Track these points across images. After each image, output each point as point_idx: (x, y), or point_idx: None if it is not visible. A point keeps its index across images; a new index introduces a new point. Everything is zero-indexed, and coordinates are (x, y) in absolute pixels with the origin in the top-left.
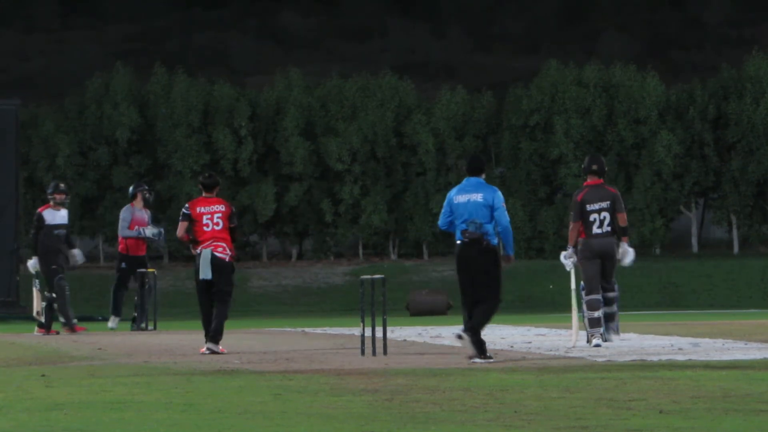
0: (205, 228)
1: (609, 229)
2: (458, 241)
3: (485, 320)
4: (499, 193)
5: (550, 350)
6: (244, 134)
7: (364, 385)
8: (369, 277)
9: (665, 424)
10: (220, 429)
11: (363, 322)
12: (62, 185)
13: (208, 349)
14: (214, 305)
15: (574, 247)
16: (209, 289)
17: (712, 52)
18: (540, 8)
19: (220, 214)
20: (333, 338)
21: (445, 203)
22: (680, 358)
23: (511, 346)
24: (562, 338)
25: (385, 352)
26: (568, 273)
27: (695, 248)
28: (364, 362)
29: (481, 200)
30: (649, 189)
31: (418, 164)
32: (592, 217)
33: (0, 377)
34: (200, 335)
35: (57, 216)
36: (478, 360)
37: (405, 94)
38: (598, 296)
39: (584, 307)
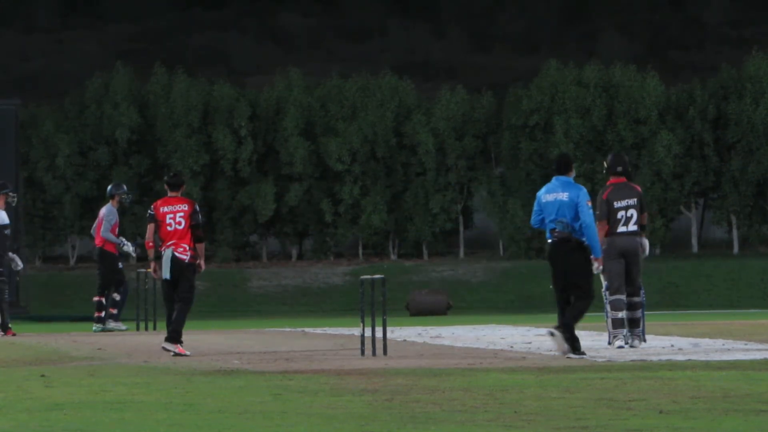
0: (168, 228)
1: (635, 227)
2: (548, 240)
3: (578, 317)
4: (584, 191)
5: (550, 350)
6: (244, 134)
7: (364, 385)
8: (369, 277)
9: (665, 424)
10: (220, 429)
11: (363, 322)
12: (9, 185)
13: (163, 348)
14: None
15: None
16: (173, 289)
17: (712, 52)
18: (540, 8)
19: (182, 213)
20: (333, 338)
21: (535, 202)
22: (680, 358)
23: (511, 347)
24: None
25: (385, 353)
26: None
27: (695, 248)
28: (364, 362)
29: (566, 199)
30: (649, 189)
31: (418, 164)
32: (619, 215)
33: (0, 377)
34: (201, 336)
35: (3, 217)
36: (572, 356)
37: (405, 94)
38: (622, 297)
39: (607, 307)
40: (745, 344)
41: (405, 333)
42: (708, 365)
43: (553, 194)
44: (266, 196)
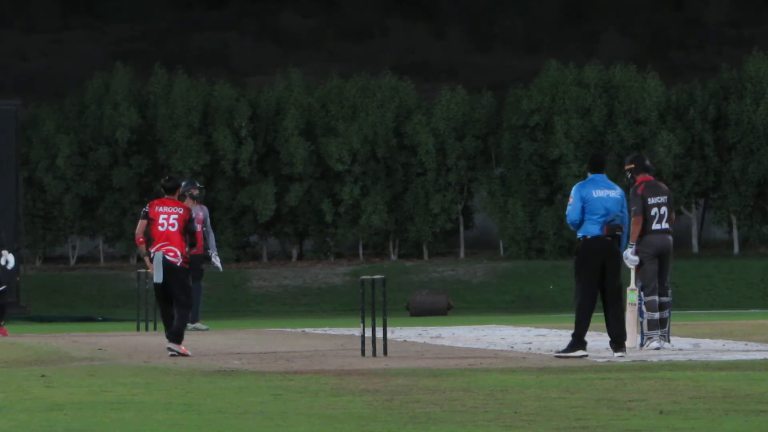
0: (160, 228)
1: (667, 225)
2: (591, 236)
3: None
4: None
5: (551, 351)
6: (244, 134)
7: (365, 386)
8: (369, 277)
9: (665, 424)
10: (220, 429)
11: (363, 322)
12: None
13: (168, 348)
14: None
15: (636, 243)
16: (164, 291)
17: (712, 52)
18: (540, 8)
19: (176, 216)
20: (333, 338)
21: (575, 198)
22: (680, 358)
23: (512, 347)
24: (562, 338)
25: (385, 353)
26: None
27: (695, 248)
28: (365, 363)
29: (618, 196)
30: None
31: (419, 164)
32: (653, 212)
33: (0, 377)
34: (201, 336)
35: None
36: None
37: (405, 95)
38: (657, 298)
39: (643, 308)
40: (746, 344)
41: (405, 333)
42: (708, 365)
43: (605, 191)
44: (266, 196)
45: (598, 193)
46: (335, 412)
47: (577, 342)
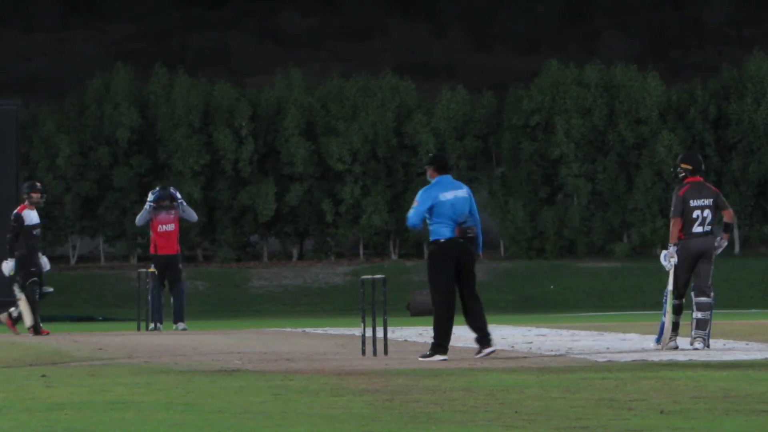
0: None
1: (709, 228)
2: (443, 239)
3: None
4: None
5: (551, 350)
6: (245, 134)
7: (365, 386)
8: (369, 277)
9: (666, 424)
10: (221, 429)
11: (363, 322)
12: (38, 184)
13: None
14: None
15: (675, 245)
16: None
17: (712, 52)
18: (540, 8)
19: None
20: (333, 338)
21: (422, 201)
22: (680, 358)
23: (512, 347)
24: (562, 338)
25: (385, 353)
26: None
27: None
28: (365, 362)
29: (466, 195)
30: (650, 189)
31: (419, 164)
32: (694, 214)
33: (0, 377)
34: (201, 336)
35: (33, 216)
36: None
37: (405, 94)
38: (681, 302)
39: (666, 307)
40: (746, 344)
41: (405, 333)
42: (708, 365)
43: (452, 192)
44: (267, 196)
45: (446, 196)
46: (336, 411)
47: (438, 347)
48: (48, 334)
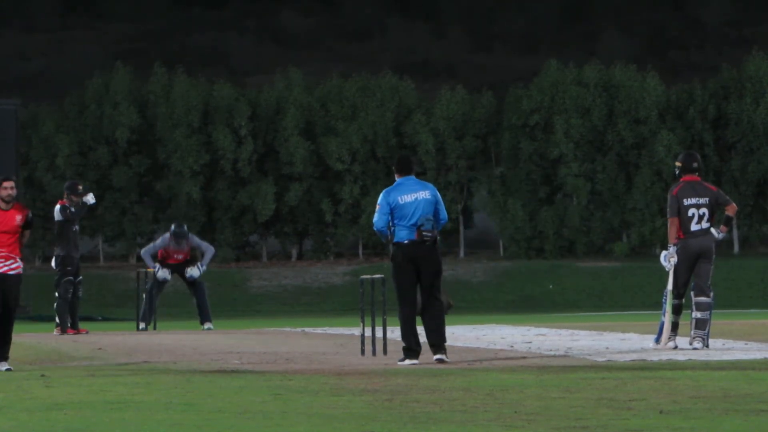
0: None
1: (708, 225)
2: (403, 242)
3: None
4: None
5: (551, 350)
6: (244, 134)
7: (365, 385)
8: (369, 277)
9: (665, 424)
10: (221, 429)
11: (363, 322)
12: (80, 187)
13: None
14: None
15: (675, 245)
16: None
17: (712, 52)
18: (540, 8)
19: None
20: (333, 338)
21: (383, 204)
22: (680, 358)
23: (512, 346)
24: (562, 338)
25: (385, 352)
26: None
27: None
28: (364, 362)
29: (430, 197)
30: (649, 189)
31: (419, 164)
32: (690, 212)
33: (0, 377)
34: (201, 336)
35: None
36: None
37: (405, 94)
38: (681, 302)
39: (666, 307)
40: (745, 344)
41: None
42: (708, 365)
43: (413, 194)
44: (266, 195)
45: (406, 198)
46: (335, 411)
47: (407, 350)
48: (87, 332)
